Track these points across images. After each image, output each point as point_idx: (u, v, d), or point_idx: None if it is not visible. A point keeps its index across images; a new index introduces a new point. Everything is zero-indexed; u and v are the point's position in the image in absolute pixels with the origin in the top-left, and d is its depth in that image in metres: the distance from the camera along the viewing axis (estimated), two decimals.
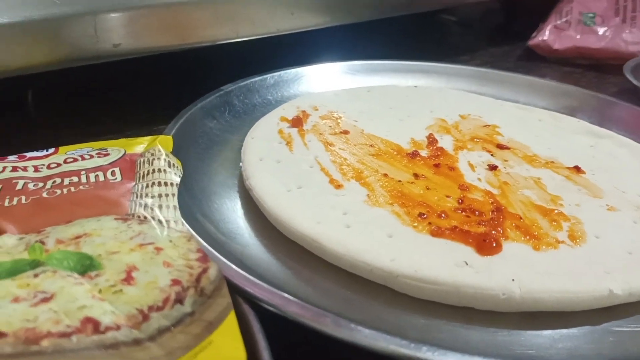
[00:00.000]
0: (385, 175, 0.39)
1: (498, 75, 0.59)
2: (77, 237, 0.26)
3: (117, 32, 0.44)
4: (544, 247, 0.33)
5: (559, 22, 0.75)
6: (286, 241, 0.34)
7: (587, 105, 0.53)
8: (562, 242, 0.33)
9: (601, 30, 0.73)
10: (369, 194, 0.36)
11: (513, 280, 0.29)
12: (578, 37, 0.73)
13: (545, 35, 0.74)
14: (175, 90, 0.51)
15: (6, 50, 0.40)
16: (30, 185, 0.31)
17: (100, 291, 0.24)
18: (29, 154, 0.34)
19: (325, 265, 0.32)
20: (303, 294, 0.29)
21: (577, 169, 0.41)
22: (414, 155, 0.42)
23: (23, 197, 0.29)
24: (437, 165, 0.41)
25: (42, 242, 0.26)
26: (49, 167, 0.33)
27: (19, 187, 0.30)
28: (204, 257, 0.26)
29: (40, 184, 0.31)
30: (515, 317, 0.30)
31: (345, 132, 0.45)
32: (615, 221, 0.36)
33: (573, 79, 0.67)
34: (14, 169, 0.32)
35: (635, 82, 0.58)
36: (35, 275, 0.24)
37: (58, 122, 0.51)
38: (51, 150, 0.35)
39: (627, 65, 0.61)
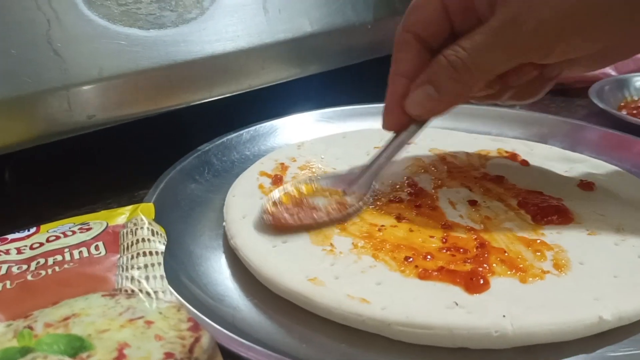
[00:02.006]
0: (367, 222, 0.39)
1: (469, 109, 0.60)
2: (66, 319, 0.26)
3: (91, 104, 0.44)
4: (530, 279, 0.33)
5: None
6: (276, 298, 0.34)
7: (558, 131, 0.54)
8: (548, 272, 0.34)
9: None
10: (353, 242, 0.37)
11: (504, 316, 0.30)
12: None
13: None
14: (153, 154, 0.51)
15: None
16: (14, 269, 0.30)
17: None
18: (10, 236, 0.34)
19: (318, 320, 0.32)
20: (299, 353, 0.29)
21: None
22: (394, 199, 0.42)
23: (8, 282, 0.29)
24: (418, 206, 0.41)
25: (31, 328, 0.26)
26: (31, 247, 0.33)
27: (2, 271, 0.30)
28: (196, 326, 0.26)
29: (25, 267, 0.31)
30: (511, 353, 0.30)
31: None
32: (597, 245, 0.36)
33: (542, 106, 0.69)
34: None
35: (601, 105, 0.60)
36: None
37: (37, 196, 0.51)
38: (33, 229, 0.35)
39: (592, 89, 0.63)
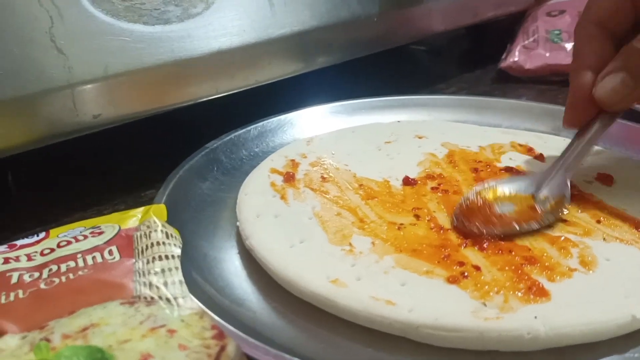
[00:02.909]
0: (386, 220, 0.38)
1: (478, 101, 0.59)
2: (84, 329, 0.25)
3: (97, 103, 0.43)
4: (558, 277, 0.32)
5: (527, 42, 0.76)
6: (295, 300, 0.33)
7: None
8: (575, 269, 0.33)
9: (569, 46, 0.74)
10: (373, 242, 0.36)
11: (535, 317, 0.29)
12: (548, 54, 0.74)
13: (516, 56, 0.75)
14: (159, 152, 0.50)
15: None
16: (26, 277, 0.29)
17: None
18: (19, 242, 0.33)
19: (341, 323, 0.31)
20: (325, 358, 0.28)
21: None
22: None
23: (20, 292, 0.28)
24: (437, 203, 0.40)
25: (48, 340, 0.25)
26: (42, 253, 0.31)
27: (14, 280, 0.29)
28: (220, 334, 0.25)
29: (37, 274, 0.29)
30: (542, 355, 0.29)
31: (338, 178, 0.44)
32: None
33: (550, 96, 0.68)
34: (6, 260, 0.31)
35: None
36: None
37: (42, 199, 0.49)
38: (42, 235, 0.34)
39: None
